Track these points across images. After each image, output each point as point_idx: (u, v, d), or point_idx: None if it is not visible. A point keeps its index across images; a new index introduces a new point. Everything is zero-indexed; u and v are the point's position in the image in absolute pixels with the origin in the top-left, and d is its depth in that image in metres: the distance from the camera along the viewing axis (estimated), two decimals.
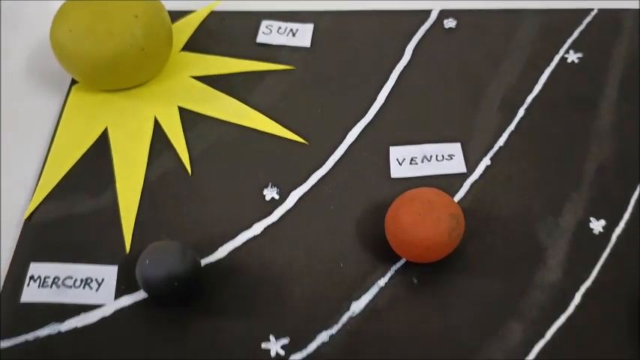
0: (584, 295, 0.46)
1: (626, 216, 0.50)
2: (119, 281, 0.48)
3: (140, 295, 0.47)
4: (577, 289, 0.47)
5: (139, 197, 0.51)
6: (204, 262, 0.48)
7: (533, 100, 0.56)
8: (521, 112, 0.55)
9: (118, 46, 0.53)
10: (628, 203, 0.50)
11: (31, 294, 0.47)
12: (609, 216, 0.50)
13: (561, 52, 0.59)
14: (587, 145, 0.53)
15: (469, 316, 0.46)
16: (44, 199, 0.52)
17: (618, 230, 0.49)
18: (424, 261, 0.47)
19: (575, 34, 0.61)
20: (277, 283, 0.47)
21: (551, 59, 0.59)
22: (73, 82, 0.59)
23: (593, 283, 0.47)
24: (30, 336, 0.45)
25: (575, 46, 0.60)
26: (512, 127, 0.55)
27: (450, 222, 0.45)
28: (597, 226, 0.49)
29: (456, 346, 0.44)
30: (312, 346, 0.45)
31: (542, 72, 0.58)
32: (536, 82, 0.57)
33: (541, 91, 0.57)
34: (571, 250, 0.48)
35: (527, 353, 0.44)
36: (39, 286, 0.47)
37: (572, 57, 0.59)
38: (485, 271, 0.48)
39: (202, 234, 0.50)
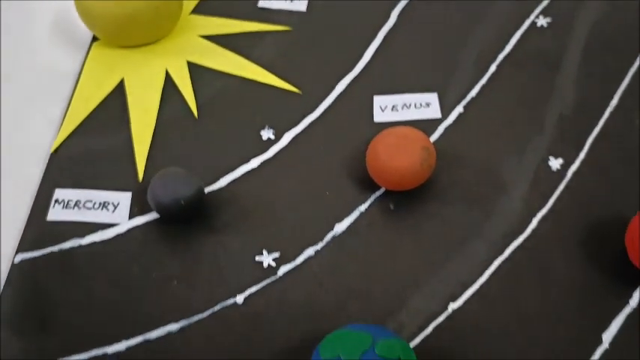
0: (540, 221, 0.53)
1: (582, 155, 0.56)
2: (132, 205, 0.54)
3: (151, 216, 0.54)
4: (534, 215, 0.53)
5: (151, 135, 0.58)
6: (207, 190, 0.55)
7: (505, 57, 0.63)
8: (492, 68, 0.62)
9: (135, 5, 0.60)
10: (584, 144, 0.57)
11: (56, 214, 0.54)
12: (567, 155, 0.56)
13: (532, 16, 0.66)
14: (550, 96, 0.60)
15: (438, 237, 0.52)
16: (68, 136, 0.59)
17: (574, 167, 0.55)
18: (400, 189, 0.53)
19: (546, 1, 0.67)
20: (271, 208, 0.54)
21: (523, 23, 0.65)
22: (94, 39, 0.66)
23: (549, 211, 0.53)
24: (55, 248, 0.52)
25: (545, 12, 0.66)
26: (484, 80, 0.61)
27: (421, 153, 0.51)
28: (555, 163, 0.56)
29: (426, 261, 0.51)
30: (299, 259, 0.51)
31: (513, 34, 0.64)
32: (507, 43, 0.64)
33: (512, 50, 0.63)
34: (531, 183, 0.55)
35: (487, 267, 0.50)
36: (63, 207, 0.54)
37: (542, 21, 0.65)
38: (454, 200, 0.54)
39: (206, 167, 0.56)
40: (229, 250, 0.52)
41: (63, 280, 0.50)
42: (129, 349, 0.48)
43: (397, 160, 0.51)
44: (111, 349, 0.47)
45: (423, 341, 0.47)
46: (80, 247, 0.52)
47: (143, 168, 0.56)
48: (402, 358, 0.41)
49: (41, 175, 0.56)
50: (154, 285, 0.50)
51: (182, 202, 0.51)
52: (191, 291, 0.50)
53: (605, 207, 0.53)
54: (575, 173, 0.55)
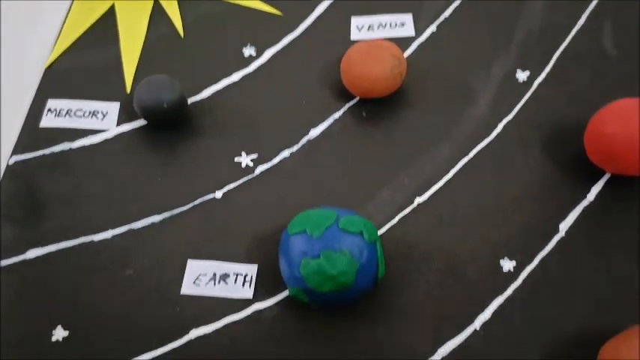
0: (505, 126, 0.55)
1: (548, 68, 0.58)
2: (120, 114, 0.58)
3: (138, 123, 0.57)
4: (500, 121, 0.56)
5: (139, 52, 0.61)
6: (191, 100, 0.58)
7: None
8: None
9: None
10: (550, 58, 0.59)
11: (48, 121, 0.57)
12: (533, 68, 0.58)
13: None
14: (518, 16, 0.62)
15: (407, 140, 0.55)
16: (61, 53, 0.62)
17: (540, 79, 0.58)
18: (372, 96, 0.56)
19: None
20: (250, 116, 0.57)
21: None
22: None
23: (514, 117, 0.56)
24: (47, 151, 0.56)
25: None
26: (457, 2, 0.64)
27: (391, 60, 0.54)
28: (522, 76, 0.58)
29: (394, 160, 0.54)
30: (275, 160, 0.54)
31: None
32: None
33: None
34: (497, 93, 0.57)
35: (452, 166, 0.53)
36: (55, 116, 0.58)
37: None
38: (423, 107, 0.57)
39: (190, 80, 0.59)
40: (210, 153, 0.55)
41: (54, 178, 0.54)
42: (115, 237, 0.51)
43: (369, 66, 0.54)
44: (98, 237, 0.51)
45: (389, 230, 0.50)
46: (70, 150, 0.56)
47: (131, 81, 0.59)
48: (365, 232, 0.44)
49: (36, 88, 0.60)
50: (139, 182, 0.53)
51: (165, 105, 0.54)
52: (173, 187, 0.53)
53: (567, 114, 0.56)
54: (541, 84, 0.58)
